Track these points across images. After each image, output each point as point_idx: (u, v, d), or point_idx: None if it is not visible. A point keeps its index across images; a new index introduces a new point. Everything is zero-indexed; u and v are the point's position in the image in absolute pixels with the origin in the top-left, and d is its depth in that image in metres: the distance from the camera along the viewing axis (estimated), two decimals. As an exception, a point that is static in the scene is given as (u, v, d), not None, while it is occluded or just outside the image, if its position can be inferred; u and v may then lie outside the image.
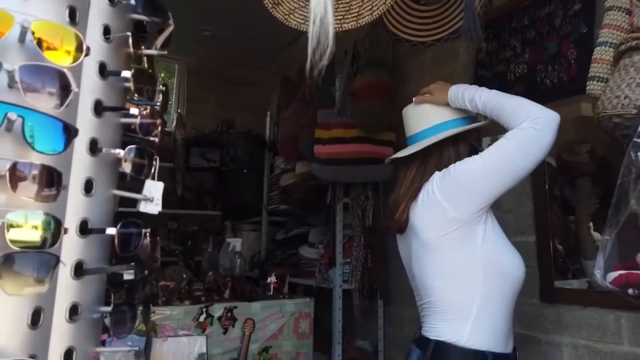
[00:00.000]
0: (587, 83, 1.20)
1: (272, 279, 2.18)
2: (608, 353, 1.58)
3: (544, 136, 1.12)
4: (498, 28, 1.97)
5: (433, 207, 1.21)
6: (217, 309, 1.97)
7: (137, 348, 0.72)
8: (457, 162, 1.22)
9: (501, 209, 2.00)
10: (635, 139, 0.80)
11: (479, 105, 1.25)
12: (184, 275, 2.08)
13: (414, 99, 1.42)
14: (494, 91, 1.25)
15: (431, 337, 1.20)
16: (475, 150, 1.34)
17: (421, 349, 1.22)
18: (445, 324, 1.19)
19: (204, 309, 1.92)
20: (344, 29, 1.17)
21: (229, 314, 1.97)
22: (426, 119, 1.36)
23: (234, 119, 4.12)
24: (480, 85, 2.21)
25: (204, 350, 1.78)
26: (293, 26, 1.15)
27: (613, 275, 0.82)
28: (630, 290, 0.78)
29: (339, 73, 2.73)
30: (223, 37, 3.90)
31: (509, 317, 1.22)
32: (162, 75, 5.34)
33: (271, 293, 2.19)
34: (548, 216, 1.80)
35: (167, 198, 3.88)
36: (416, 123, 1.39)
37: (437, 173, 1.25)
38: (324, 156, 2.48)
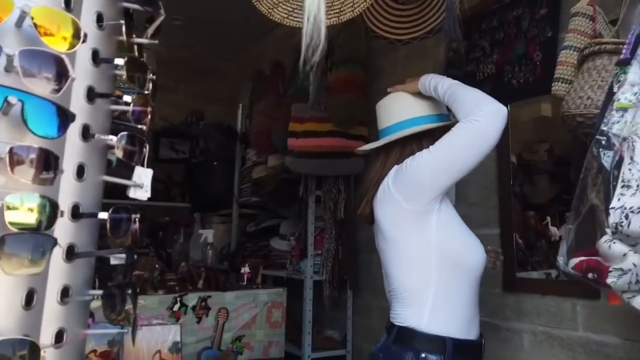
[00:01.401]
0: (553, 84, 1.27)
1: (245, 269, 2.20)
2: (564, 338, 1.69)
3: (487, 128, 1.14)
4: (468, 29, 2.05)
5: (389, 200, 1.27)
6: (191, 299, 1.98)
7: (125, 330, 0.74)
8: (410, 157, 1.26)
9: (468, 202, 2.09)
10: (597, 137, 0.87)
11: (440, 94, 1.28)
12: (157, 266, 2.07)
13: (388, 89, 1.46)
14: (454, 82, 1.28)
15: (395, 323, 1.26)
16: None
17: (388, 334, 1.28)
18: (406, 310, 1.25)
19: (178, 299, 1.93)
20: (326, 24, 1.21)
21: (202, 303, 1.98)
22: (396, 114, 1.39)
23: (204, 111, 4.09)
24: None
25: (177, 338, 1.79)
26: (277, 20, 1.17)
27: (574, 261, 0.89)
28: (589, 275, 0.85)
29: (316, 68, 2.76)
30: (194, 28, 3.86)
31: (471, 304, 1.26)
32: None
33: (244, 283, 2.21)
34: (512, 210, 1.89)
35: (135, 189, 3.81)
36: (386, 117, 1.42)
37: (394, 167, 1.30)
38: (297, 149, 2.52)
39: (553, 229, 1.87)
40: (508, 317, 1.89)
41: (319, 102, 2.60)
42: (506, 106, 1.97)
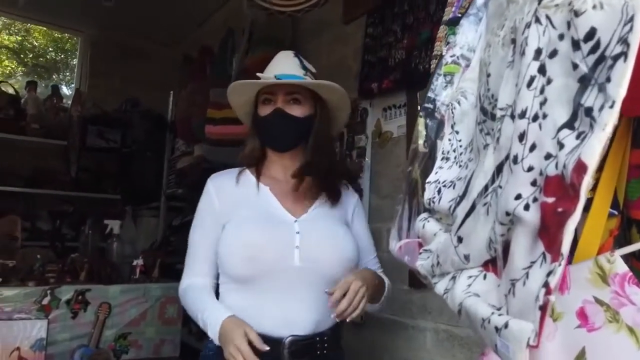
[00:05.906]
0: (431, 62, 1.18)
1: (138, 261, 2.04)
2: (464, 337, 1.61)
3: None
4: (383, 13, 1.96)
5: None
6: (66, 292, 1.81)
7: None
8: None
9: (381, 194, 2.01)
10: (424, 104, 0.78)
11: None
12: (38, 256, 1.89)
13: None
14: None
15: None
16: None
17: None
18: None
19: (49, 291, 1.75)
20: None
21: (79, 297, 1.81)
22: None
23: (141, 98, 3.89)
24: (365, 70, 2.17)
25: (43, 335, 1.62)
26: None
27: (399, 244, 0.80)
28: (405, 258, 0.76)
29: (237, 52, 2.64)
30: (129, 10, 3.66)
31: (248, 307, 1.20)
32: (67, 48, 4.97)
33: (136, 277, 2.05)
34: (420, 203, 1.81)
35: (59, 179, 3.60)
36: None
37: None
38: (215, 137, 2.40)
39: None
40: (414, 314, 1.80)
41: (239, 88, 2.46)
42: (416, 93, 1.90)
